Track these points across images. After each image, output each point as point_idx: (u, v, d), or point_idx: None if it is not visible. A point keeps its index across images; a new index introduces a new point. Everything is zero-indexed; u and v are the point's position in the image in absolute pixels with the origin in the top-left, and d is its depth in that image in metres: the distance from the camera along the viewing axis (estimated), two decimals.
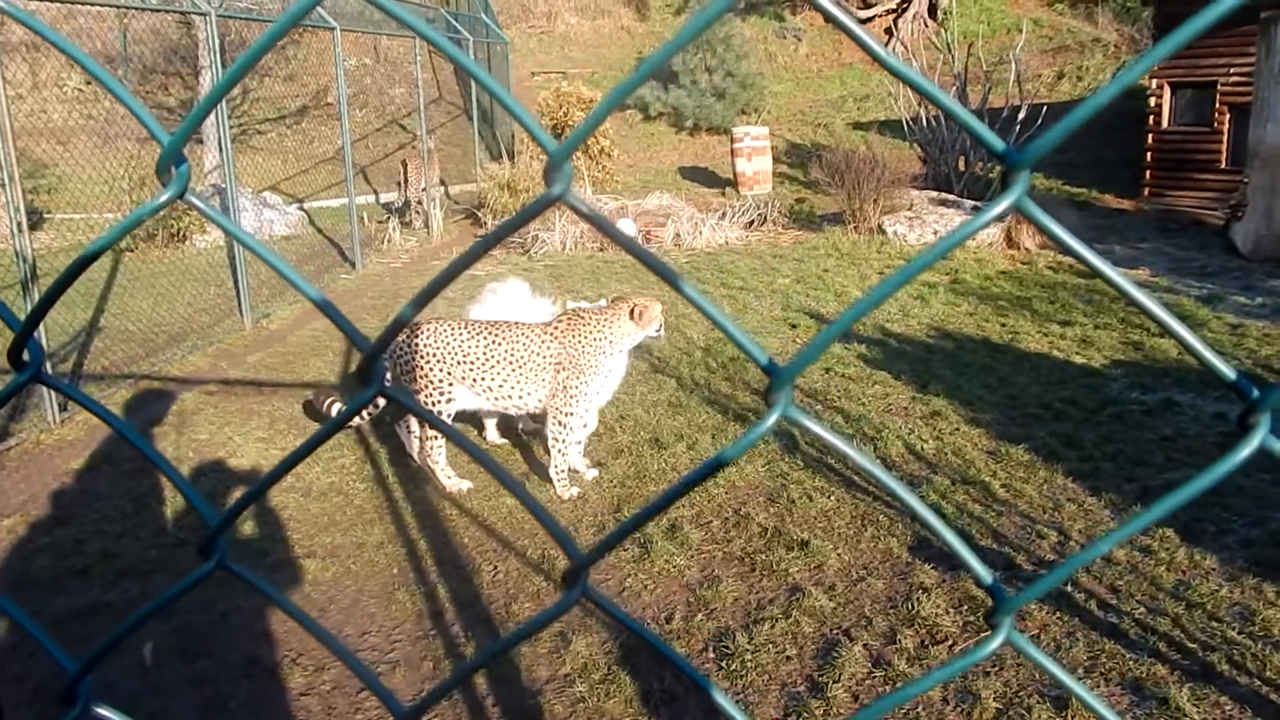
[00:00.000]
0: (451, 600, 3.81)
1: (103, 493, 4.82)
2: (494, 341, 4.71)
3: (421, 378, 4.69)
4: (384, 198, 14.46)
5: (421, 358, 4.69)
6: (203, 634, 3.58)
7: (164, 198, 0.58)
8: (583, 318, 4.75)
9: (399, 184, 12.96)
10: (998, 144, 0.49)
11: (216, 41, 8.03)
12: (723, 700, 0.61)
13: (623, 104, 16.92)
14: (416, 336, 4.70)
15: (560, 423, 4.65)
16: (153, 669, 3.40)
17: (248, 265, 8.10)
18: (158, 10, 10.67)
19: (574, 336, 4.69)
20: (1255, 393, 0.49)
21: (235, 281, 8.05)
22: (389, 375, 4.73)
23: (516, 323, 4.92)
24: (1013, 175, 0.48)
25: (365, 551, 4.20)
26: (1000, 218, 0.49)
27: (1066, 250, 0.50)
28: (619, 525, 0.56)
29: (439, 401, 4.71)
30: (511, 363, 4.69)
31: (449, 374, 4.71)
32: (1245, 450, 0.49)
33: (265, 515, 4.55)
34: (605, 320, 4.73)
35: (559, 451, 4.68)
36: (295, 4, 0.50)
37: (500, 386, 4.72)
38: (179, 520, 4.51)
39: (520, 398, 4.75)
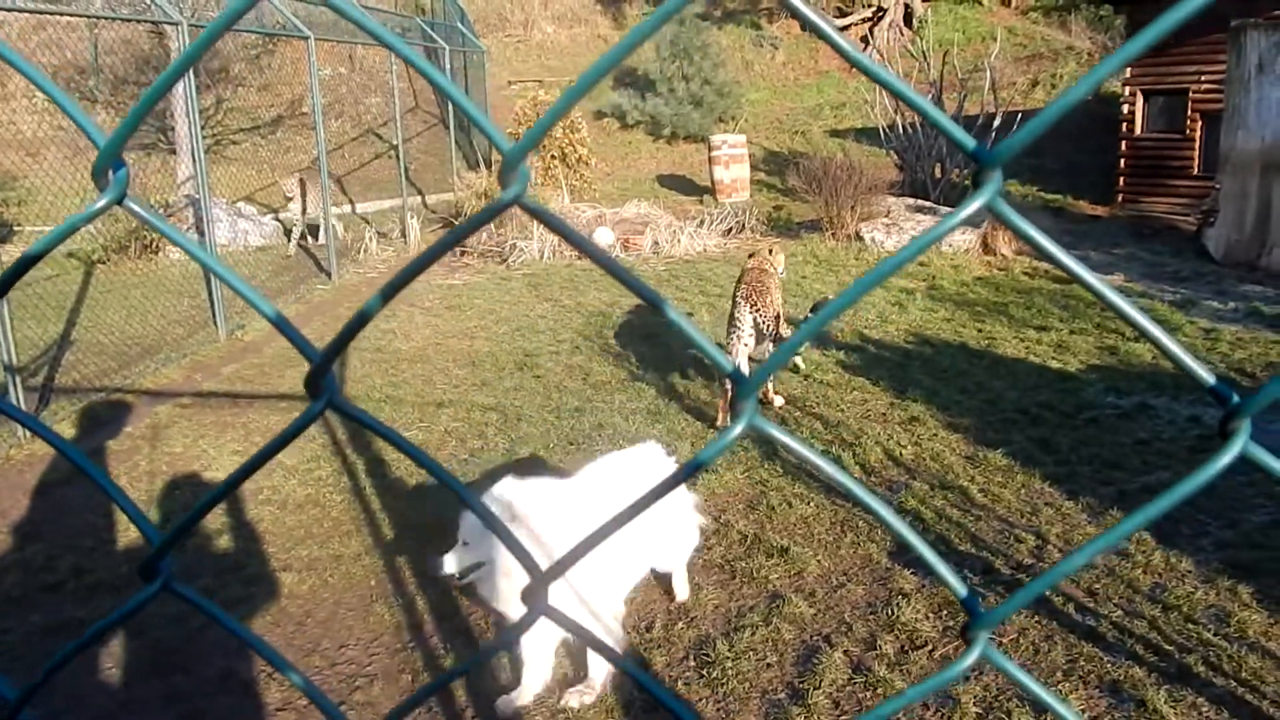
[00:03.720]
0: (430, 612, 3.78)
1: (74, 508, 4.75)
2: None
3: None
4: (263, 223, 13.01)
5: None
6: (177, 649, 3.53)
7: (100, 203, 0.55)
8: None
9: (290, 200, 11.66)
10: (969, 143, 0.49)
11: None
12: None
13: (600, 113, 16.93)
14: None
15: None
16: (125, 686, 3.35)
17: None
18: (129, 20, 10.60)
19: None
20: (1235, 398, 0.48)
21: (209, 293, 7.98)
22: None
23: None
24: (984, 174, 0.48)
25: (343, 564, 4.16)
26: (973, 218, 0.49)
27: (1040, 252, 0.50)
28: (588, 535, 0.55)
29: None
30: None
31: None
32: (1227, 456, 0.48)
33: (241, 529, 4.50)
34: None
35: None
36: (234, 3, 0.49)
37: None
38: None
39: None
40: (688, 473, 0.55)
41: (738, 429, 0.52)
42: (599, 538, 0.56)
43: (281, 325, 0.57)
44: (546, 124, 0.48)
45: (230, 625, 0.65)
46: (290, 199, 11.53)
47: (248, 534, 4.45)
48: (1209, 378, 0.49)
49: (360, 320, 0.54)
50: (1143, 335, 0.51)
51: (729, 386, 5.76)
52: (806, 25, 0.52)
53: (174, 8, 7.72)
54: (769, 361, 0.53)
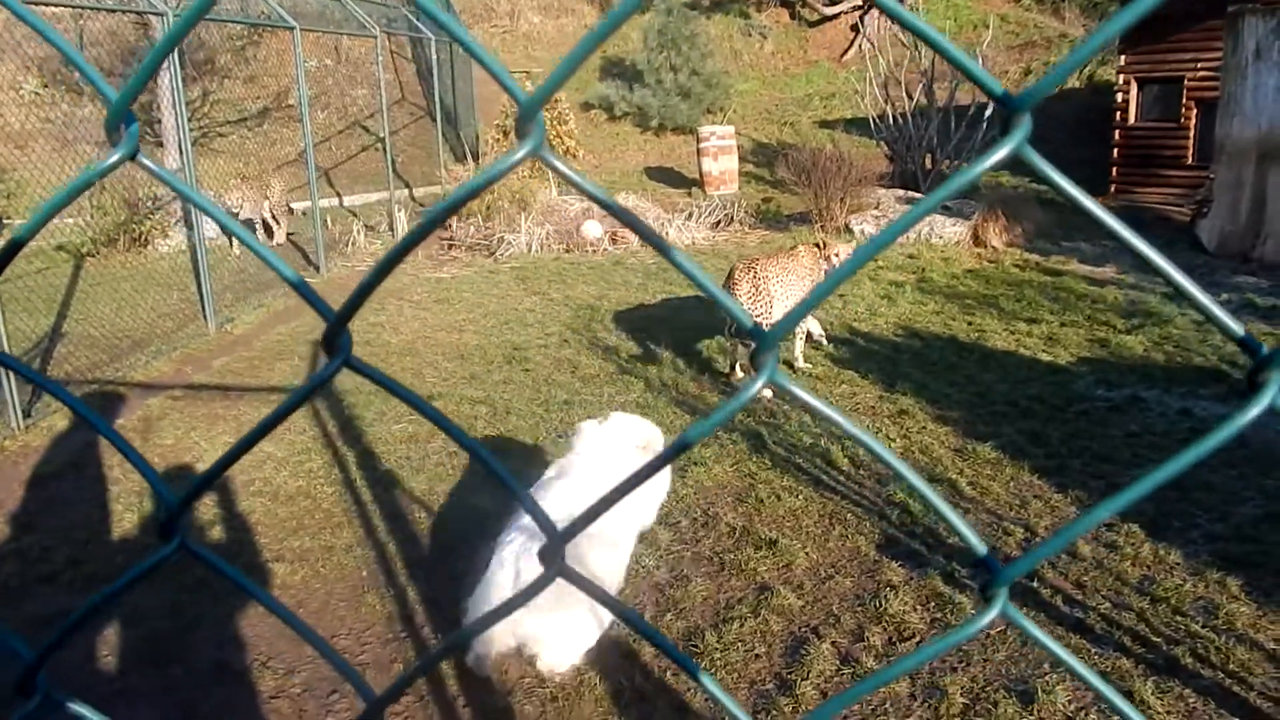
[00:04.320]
0: (422, 602, 3.78)
1: (69, 499, 4.74)
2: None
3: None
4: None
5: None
6: (171, 640, 3.52)
7: (114, 158, 0.54)
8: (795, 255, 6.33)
9: (238, 213, 11.06)
10: (996, 87, 0.49)
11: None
12: (711, 685, 0.61)
13: (587, 104, 16.81)
14: None
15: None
16: (121, 675, 3.35)
17: (211, 270, 7.99)
18: (114, 10, 10.51)
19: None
20: (1264, 349, 0.48)
21: (199, 286, 7.94)
22: None
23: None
24: (1014, 119, 0.47)
25: (334, 555, 4.15)
26: (1004, 163, 0.49)
27: (1066, 198, 0.50)
28: (591, 506, 0.55)
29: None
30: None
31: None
32: (1257, 407, 0.48)
33: (232, 520, 4.49)
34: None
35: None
36: None
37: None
38: (146, 526, 4.44)
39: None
40: (711, 427, 0.55)
41: (759, 382, 0.52)
42: (615, 498, 0.56)
43: (301, 288, 0.57)
44: (562, 74, 0.48)
45: (244, 584, 0.66)
46: (238, 212, 11.01)
47: (239, 525, 4.44)
48: (1239, 329, 0.50)
49: (363, 290, 0.54)
50: (1170, 283, 0.51)
51: (740, 349, 6.27)
52: (906, 25, 0.52)
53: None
54: (788, 317, 0.53)
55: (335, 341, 0.55)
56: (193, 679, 3.31)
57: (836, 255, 6.44)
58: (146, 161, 0.57)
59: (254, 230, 11.19)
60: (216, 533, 4.37)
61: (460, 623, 3.45)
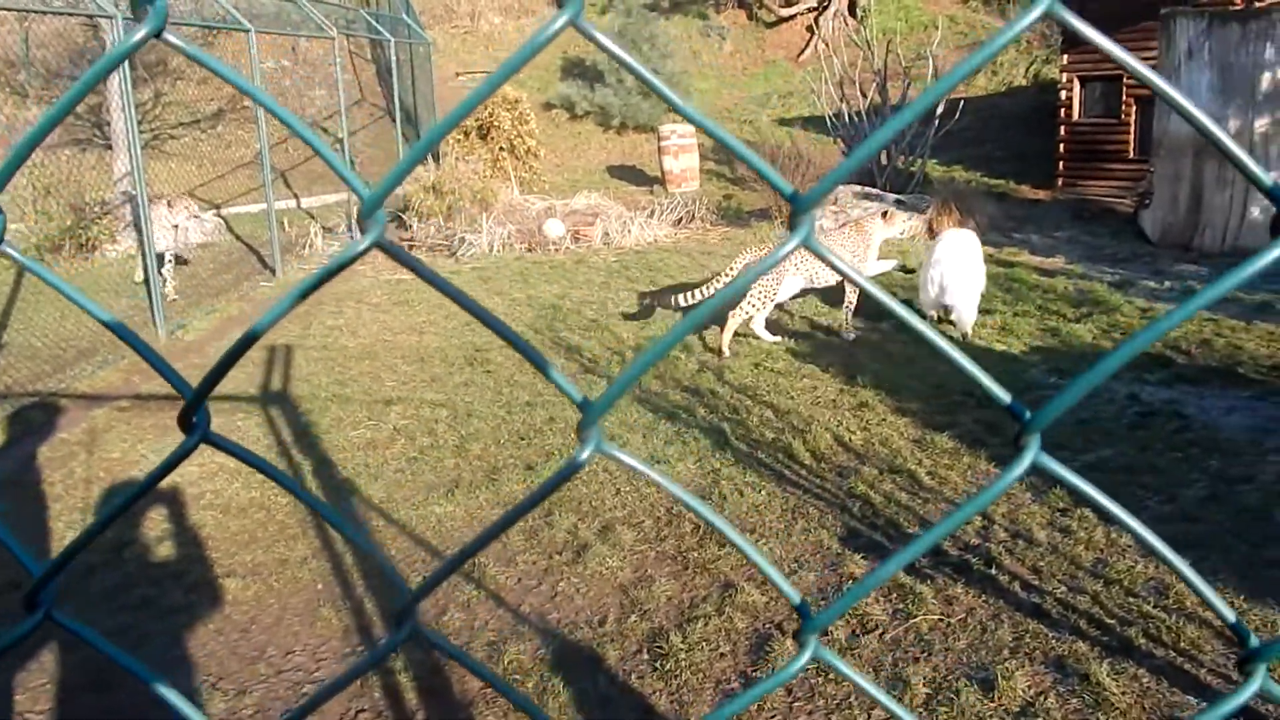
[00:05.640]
0: (380, 614, 3.73)
1: (8, 518, 4.61)
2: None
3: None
4: (204, 219, 10.09)
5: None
6: (115, 664, 3.43)
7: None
8: (859, 223, 7.34)
9: (177, 227, 9.22)
10: (786, 188, 0.51)
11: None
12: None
13: (549, 104, 16.78)
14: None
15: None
16: (60, 703, 3.25)
17: (161, 276, 7.83)
18: (62, 14, 10.27)
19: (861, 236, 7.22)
20: (1027, 414, 0.53)
21: (149, 292, 7.78)
22: None
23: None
24: (796, 219, 0.50)
25: (288, 568, 4.08)
26: (786, 256, 0.53)
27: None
28: (455, 552, 0.54)
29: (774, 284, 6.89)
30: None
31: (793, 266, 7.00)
32: (1019, 469, 0.53)
33: (182, 535, 4.40)
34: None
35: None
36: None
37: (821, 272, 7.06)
38: (90, 544, 4.33)
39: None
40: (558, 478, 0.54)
41: (585, 454, 0.53)
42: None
43: (153, 360, 0.55)
44: (408, 166, 0.47)
45: (120, 658, 0.63)
46: (177, 226, 9.36)
47: (189, 540, 4.35)
48: (1005, 396, 0.54)
49: (238, 351, 0.52)
50: (941, 355, 0.56)
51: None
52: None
53: (109, 1, 7.50)
54: (606, 394, 0.54)
55: (191, 418, 0.54)
56: (137, 704, 3.19)
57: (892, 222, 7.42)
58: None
59: (162, 261, 8.82)
60: (165, 550, 4.28)
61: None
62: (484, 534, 0.55)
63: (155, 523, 4.50)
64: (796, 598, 0.57)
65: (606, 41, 0.51)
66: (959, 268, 6.91)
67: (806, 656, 0.57)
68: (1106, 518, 4.02)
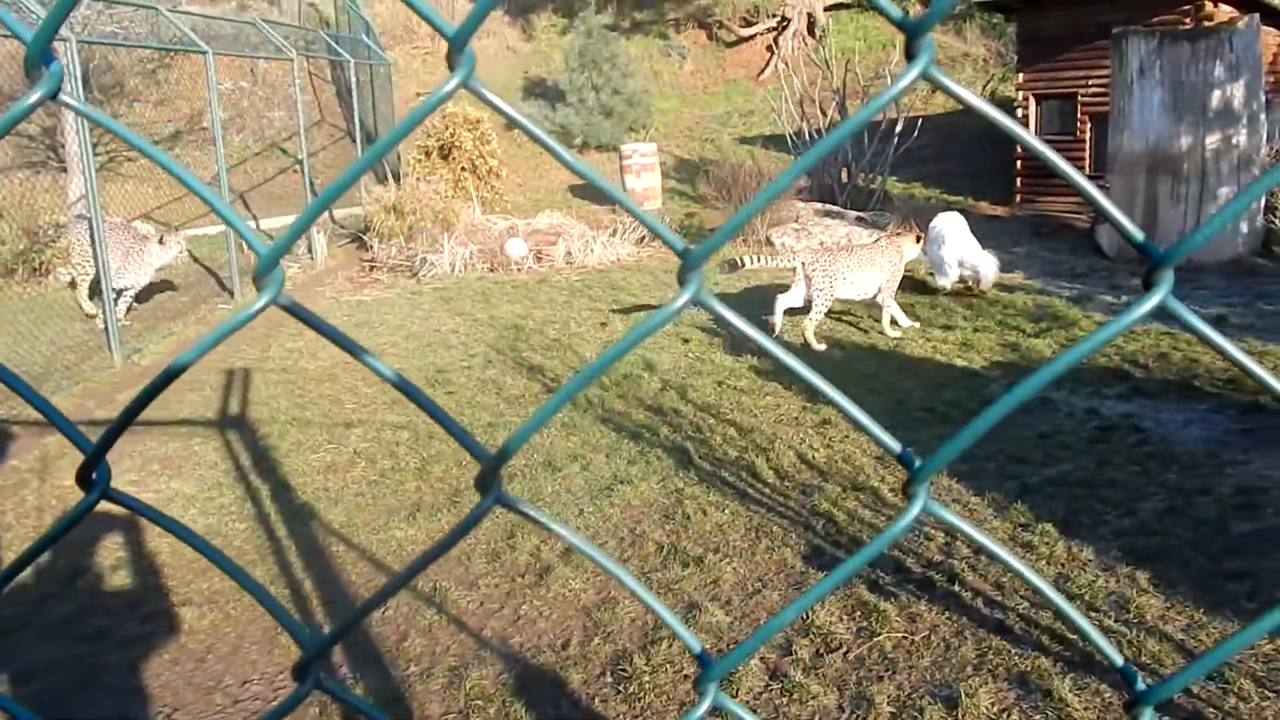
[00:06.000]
0: (340, 642, 3.65)
1: None
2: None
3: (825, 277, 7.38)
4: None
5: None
6: (69, 695, 3.34)
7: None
8: (895, 242, 7.88)
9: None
10: (677, 244, 0.52)
11: (78, 68, 7.64)
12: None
13: (510, 124, 17.05)
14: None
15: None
16: None
17: (116, 299, 7.69)
18: (10, 37, 10.10)
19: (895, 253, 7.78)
20: (917, 463, 0.54)
21: (104, 316, 7.63)
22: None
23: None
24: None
25: (245, 595, 3.99)
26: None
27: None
28: (361, 603, 0.52)
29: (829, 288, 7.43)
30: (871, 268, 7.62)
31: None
32: (907, 519, 0.54)
33: (137, 563, 4.29)
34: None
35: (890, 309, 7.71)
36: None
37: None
38: (44, 575, 4.21)
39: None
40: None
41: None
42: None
43: (56, 418, 0.53)
44: (303, 225, 0.46)
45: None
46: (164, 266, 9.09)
47: (145, 568, 4.25)
48: (895, 446, 0.55)
49: (130, 414, 0.51)
50: (837, 410, 0.58)
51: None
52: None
53: (64, 24, 7.39)
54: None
55: (90, 474, 0.53)
56: None
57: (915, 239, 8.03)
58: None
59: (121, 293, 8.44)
60: (119, 578, 4.17)
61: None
62: (385, 588, 0.53)
63: (110, 551, 4.39)
64: (697, 647, 0.57)
65: (497, 101, 0.52)
66: (966, 237, 8.38)
67: (705, 705, 0.57)
68: (1068, 532, 4.06)
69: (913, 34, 0.46)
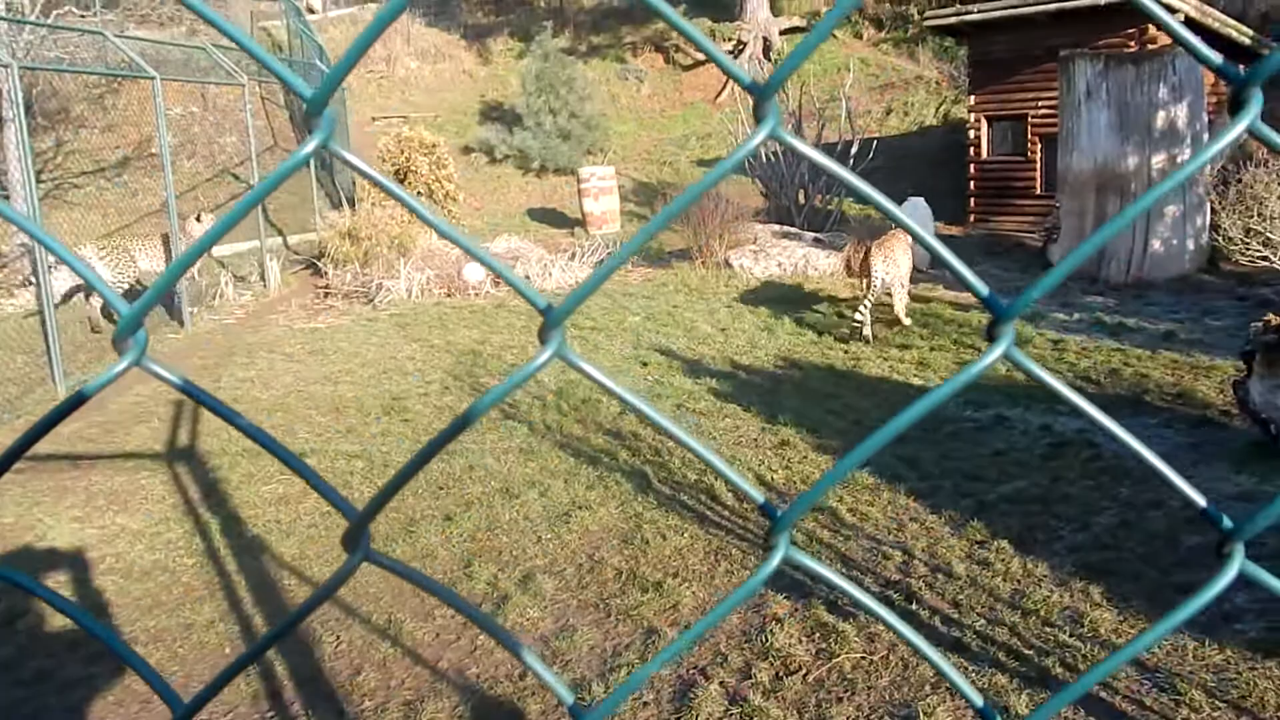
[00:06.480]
0: (291, 677, 3.57)
1: None
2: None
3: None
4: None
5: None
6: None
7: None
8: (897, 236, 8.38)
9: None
10: (540, 303, 0.52)
11: (19, 94, 7.50)
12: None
13: (468, 147, 16.76)
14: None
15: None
16: None
17: (62, 329, 7.51)
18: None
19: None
20: (778, 513, 0.56)
21: (47, 347, 7.45)
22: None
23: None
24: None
25: (194, 633, 3.89)
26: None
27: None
28: (240, 655, 0.49)
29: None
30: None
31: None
32: (766, 570, 0.56)
33: (81, 602, 4.16)
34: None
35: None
36: None
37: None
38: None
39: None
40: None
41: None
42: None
43: None
44: (166, 283, 0.44)
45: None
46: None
47: (88, 607, 4.12)
48: (759, 497, 0.57)
49: (16, 453, 0.49)
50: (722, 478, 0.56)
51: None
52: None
53: (4, 49, 7.25)
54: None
55: None
56: None
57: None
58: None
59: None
60: (60, 619, 4.04)
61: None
62: (265, 637, 0.50)
63: (53, 587, 4.24)
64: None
65: (359, 163, 0.54)
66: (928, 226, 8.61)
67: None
68: (1023, 548, 4.09)
69: (761, 97, 0.48)
